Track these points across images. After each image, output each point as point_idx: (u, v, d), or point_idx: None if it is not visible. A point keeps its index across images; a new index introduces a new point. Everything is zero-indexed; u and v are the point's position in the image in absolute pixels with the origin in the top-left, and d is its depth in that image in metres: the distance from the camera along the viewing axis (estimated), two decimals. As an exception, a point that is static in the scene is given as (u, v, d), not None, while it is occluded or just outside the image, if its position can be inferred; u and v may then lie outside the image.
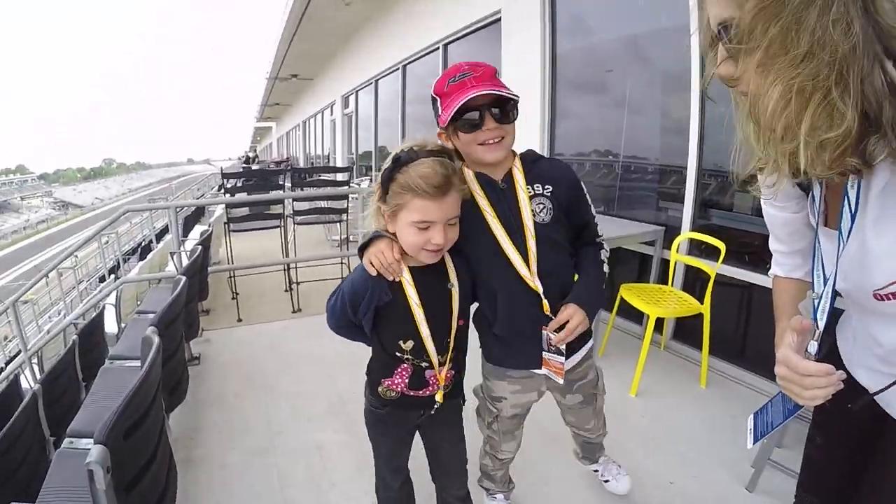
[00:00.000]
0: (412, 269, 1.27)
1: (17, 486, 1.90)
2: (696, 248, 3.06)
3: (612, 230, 3.11)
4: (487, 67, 1.25)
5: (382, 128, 9.29)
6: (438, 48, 6.40)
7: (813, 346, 0.82)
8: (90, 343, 3.16)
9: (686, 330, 3.18)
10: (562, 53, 4.24)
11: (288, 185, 6.03)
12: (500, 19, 4.86)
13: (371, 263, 1.23)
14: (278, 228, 4.96)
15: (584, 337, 1.46)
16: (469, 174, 1.32)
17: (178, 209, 4.32)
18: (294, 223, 5.22)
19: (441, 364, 1.32)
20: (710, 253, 2.86)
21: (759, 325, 2.87)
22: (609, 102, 3.92)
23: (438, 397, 1.34)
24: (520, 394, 1.52)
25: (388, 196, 1.18)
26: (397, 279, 1.25)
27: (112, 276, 6.85)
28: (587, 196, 1.41)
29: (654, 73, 3.54)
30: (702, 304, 2.73)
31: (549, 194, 1.32)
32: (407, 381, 1.32)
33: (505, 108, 1.23)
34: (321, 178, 6.32)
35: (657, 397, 2.74)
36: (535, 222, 1.31)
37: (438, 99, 1.29)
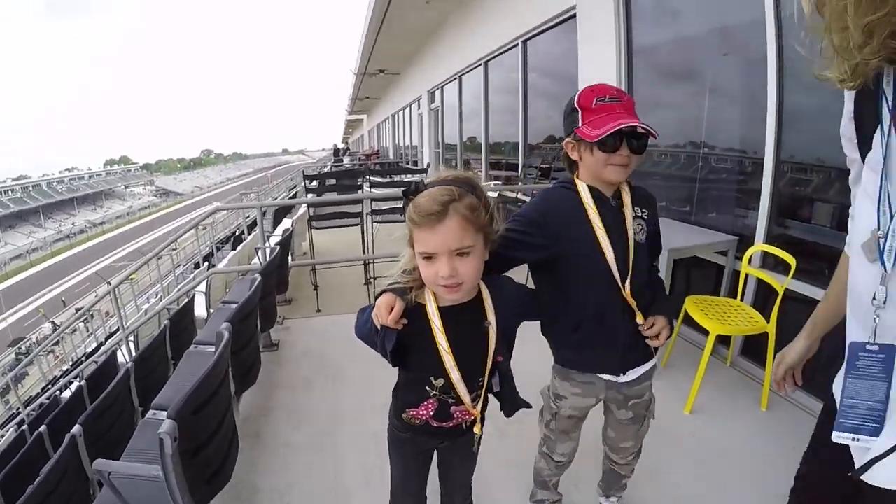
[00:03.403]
0: (443, 310, 1.21)
1: (106, 446, 2.21)
2: (773, 260, 2.88)
3: (681, 240, 3.04)
4: (630, 98, 1.35)
5: (467, 121, 9.40)
6: (518, 44, 6.38)
7: (881, 293, 0.76)
8: (180, 326, 3.53)
9: (755, 347, 2.99)
10: (642, 44, 4.10)
11: (367, 185, 6.29)
12: (574, 15, 4.77)
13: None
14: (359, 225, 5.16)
15: (648, 354, 1.54)
16: (582, 186, 1.40)
17: (263, 208, 4.65)
18: (372, 221, 5.39)
19: (474, 400, 1.29)
20: (786, 266, 2.67)
21: (828, 347, 2.66)
22: (691, 94, 3.75)
23: (477, 430, 1.33)
24: (579, 397, 1.59)
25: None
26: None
27: (206, 263, 7.50)
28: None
29: (735, 59, 3.33)
30: (768, 322, 2.59)
31: (645, 217, 1.44)
32: (432, 413, 1.30)
33: (641, 140, 1.32)
34: (399, 178, 6.50)
35: (712, 416, 2.63)
36: (636, 241, 1.40)
37: (580, 111, 1.34)
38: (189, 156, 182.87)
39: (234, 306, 2.96)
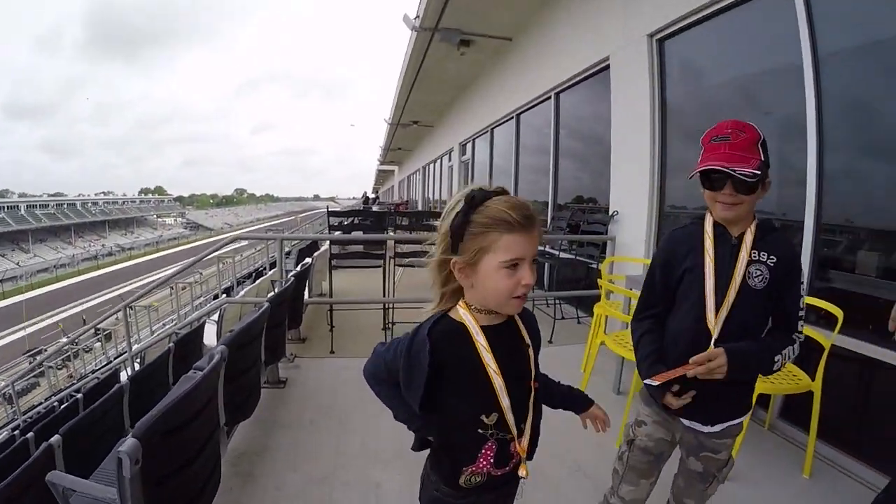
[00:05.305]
0: (486, 330, 1.11)
1: (87, 462, 2.10)
2: (815, 315, 2.68)
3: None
4: (749, 134, 1.32)
5: (497, 176, 9.40)
6: (550, 97, 6.43)
7: None
8: (187, 352, 3.46)
9: (796, 408, 2.74)
10: (676, 101, 4.07)
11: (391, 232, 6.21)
12: (608, 66, 4.78)
13: None
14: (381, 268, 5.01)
15: (737, 411, 1.50)
16: (708, 219, 1.46)
17: (283, 241, 4.62)
18: (395, 265, 5.14)
19: (521, 434, 1.16)
20: (828, 321, 2.46)
21: (880, 408, 2.44)
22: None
23: (522, 472, 1.17)
24: (659, 426, 1.57)
25: (464, 244, 1.04)
26: None
27: (224, 295, 7.56)
28: (801, 285, 1.40)
29: (770, 117, 3.26)
30: (813, 380, 2.36)
31: (771, 264, 1.37)
32: (493, 460, 1.14)
33: (746, 182, 1.30)
34: (426, 223, 6.40)
35: (750, 484, 2.38)
36: (745, 282, 1.37)
37: (702, 148, 1.39)
38: (222, 193, 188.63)
39: (238, 333, 2.89)
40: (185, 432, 1.52)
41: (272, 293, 4.15)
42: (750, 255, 1.38)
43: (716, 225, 1.44)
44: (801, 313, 1.40)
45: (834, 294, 2.65)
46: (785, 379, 2.45)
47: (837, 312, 2.34)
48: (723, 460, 1.54)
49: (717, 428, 1.48)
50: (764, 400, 2.84)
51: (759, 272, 1.37)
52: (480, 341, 1.09)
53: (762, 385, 2.36)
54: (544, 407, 1.28)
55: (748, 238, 1.39)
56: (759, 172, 1.28)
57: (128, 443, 1.24)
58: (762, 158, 1.32)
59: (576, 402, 1.39)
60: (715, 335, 1.40)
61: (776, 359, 1.37)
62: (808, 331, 2.49)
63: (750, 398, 1.54)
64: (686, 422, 1.51)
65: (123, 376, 3.93)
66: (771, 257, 1.37)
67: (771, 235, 1.41)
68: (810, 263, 2.74)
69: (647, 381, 1.42)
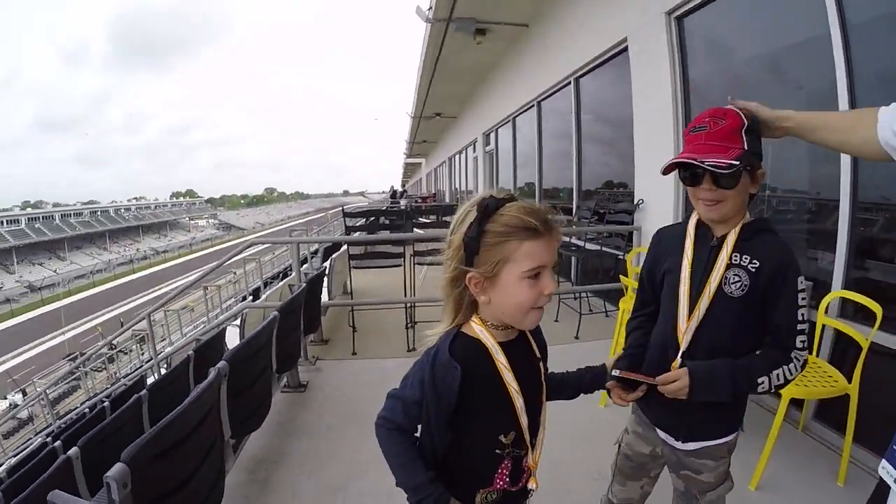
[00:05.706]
0: (502, 346, 1.05)
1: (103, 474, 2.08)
2: (852, 309, 2.48)
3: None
4: (730, 121, 1.19)
5: (522, 164, 9.23)
6: (570, 82, 6.22)
7: None
8: (208, 358, 3.44)
9: (833, 409, 2.55)
10: (699, 80, 3.85)
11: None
12: (626, 48, 4.57)
13: None
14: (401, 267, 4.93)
15: (715, 431, 1.35)
16: (693, 218, 1.34)
17: (299, 245, 4.60)
18: (414, 263, 4.98)
19: (533, 448, 1.13)
20: (867, 316, 2.27)
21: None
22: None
23: (532, 484, 1.14)
24: (638, 438, 1.50)
25: (479, 256, 0.98)
26: None
27: (251, 297, 7.67)
28: (798, 296, 1.20)
29: (801, 91, 3.05)
30: (850, 382, 2.18)
31: (752, 270, 1.22)
32: (508, 478, 1.10)
33: (725, 175, 1.17)
34: (445, 219, 6.29)
35: (780, 493, 2.22)
36: (721, 289, 1.24)
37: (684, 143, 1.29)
38: (253, 193, 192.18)
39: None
40: (180, 451, 1.50)
41: (290, 297, 4.14)
42: (730, 259, 1.24)
43: (699, 224, 1.33)
44: (801, 327, 1.21)
45: (874, 287, 2.43)
46: (819, 380, 2.27)
47: (876, 308, 2.15)
48: (706, 483, 1.39)
49: (692, 446, 1.35)
50: (798, 400, 2.66)
51: (737, 278, 1.23)
52: (501, 360, 1.04)
53: (794, 389, 2.20)
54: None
55: (730, 239, 1.25)
56: (736, 163, 1.13)
57: (115, 468, 1.23)
58: (745, 147, 1.17)
59: (593, 381, 1.31)
60: (683, 347, 1.29)
61: (760, 380, 1.20)
62: (845, 327, 2.36)
63: (734, 419, 1.37)
64: (661, 434, 1.41)
65: (150, 381, 3.99)
66: (753, 262, 1.22)
67: (759, 237, 1.25)
68: (847, 249, 2.52)
69: (613, 371, 1.30)
